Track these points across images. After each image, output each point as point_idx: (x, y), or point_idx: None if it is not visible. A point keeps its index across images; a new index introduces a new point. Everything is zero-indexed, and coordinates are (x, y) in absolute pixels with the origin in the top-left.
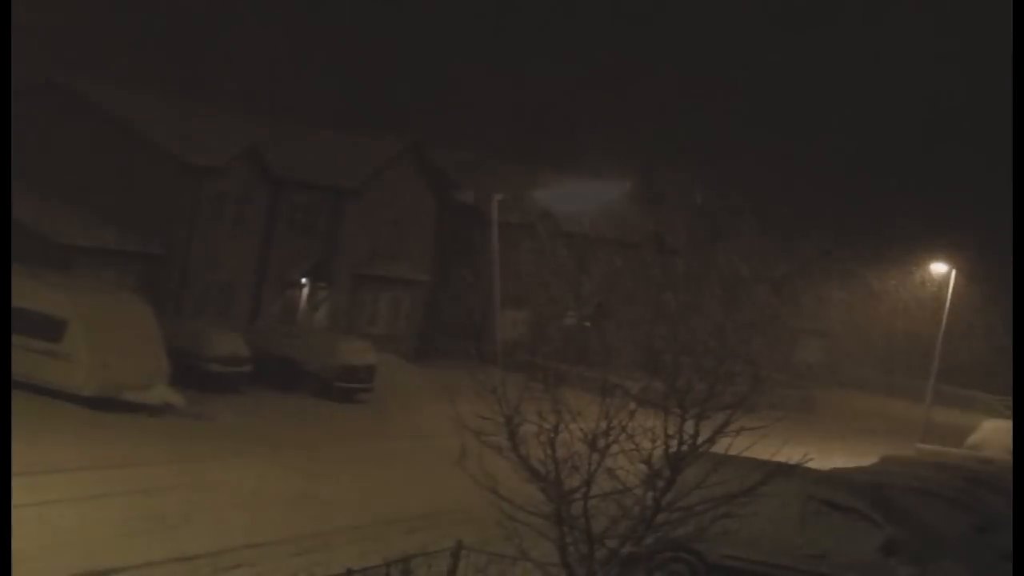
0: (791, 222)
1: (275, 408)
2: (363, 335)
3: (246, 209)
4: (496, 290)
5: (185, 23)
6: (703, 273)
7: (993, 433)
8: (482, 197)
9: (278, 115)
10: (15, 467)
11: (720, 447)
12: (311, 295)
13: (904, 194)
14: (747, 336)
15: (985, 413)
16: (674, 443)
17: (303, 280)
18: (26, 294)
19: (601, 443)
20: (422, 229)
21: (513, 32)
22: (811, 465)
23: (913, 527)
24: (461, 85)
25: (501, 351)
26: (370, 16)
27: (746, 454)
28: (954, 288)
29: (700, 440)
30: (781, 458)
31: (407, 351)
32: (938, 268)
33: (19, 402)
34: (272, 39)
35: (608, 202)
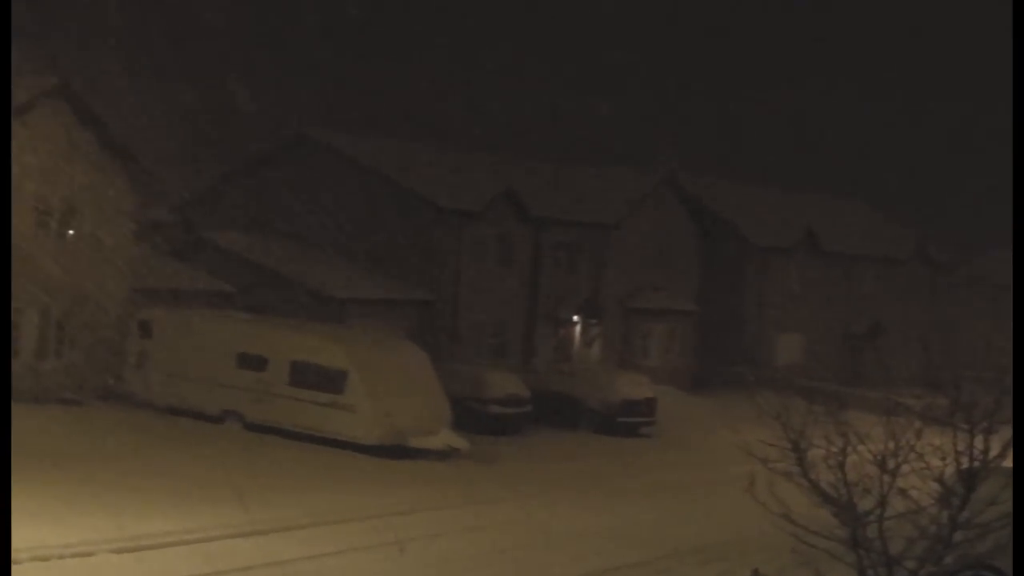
0: None
1: (559, 447)
2: (638, 368)
3: (509, 250)
4: (767, 314)
5: (424, 70)
6: (973, 285)
7: None
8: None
9: (527, 154)
10: (305, 518)
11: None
12: (583, 331)
13: None
14: None
15: None
16: (965, 459)
17: (574, 317)
18: (306, 348)
19: (891, 464)
20: (685, 258)
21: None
22: None
23: None
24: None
25: (778, 376)
26: (611, 53)
27: None
28: None
29: (991, 455)
30: None
31: (683, 382)
32: None
33: (308, 454)
34: (513, 82)
35: (869, 219)
